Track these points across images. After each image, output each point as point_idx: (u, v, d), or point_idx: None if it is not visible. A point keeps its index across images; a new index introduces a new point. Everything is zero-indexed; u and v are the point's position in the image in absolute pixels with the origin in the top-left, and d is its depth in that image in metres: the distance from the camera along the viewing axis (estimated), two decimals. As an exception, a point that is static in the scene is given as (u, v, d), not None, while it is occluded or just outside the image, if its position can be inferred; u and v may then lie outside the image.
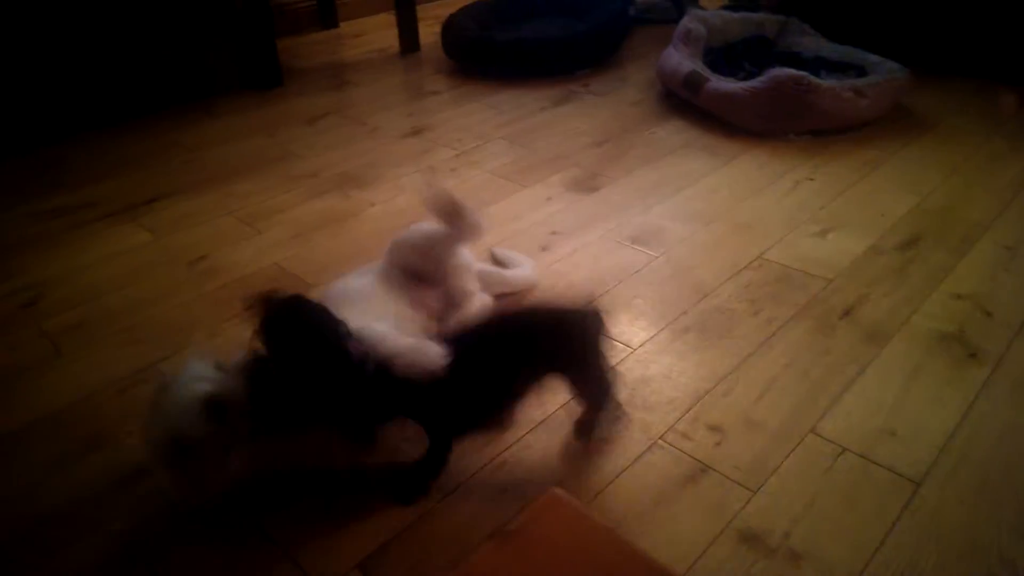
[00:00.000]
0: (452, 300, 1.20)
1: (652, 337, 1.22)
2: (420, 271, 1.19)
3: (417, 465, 0.95)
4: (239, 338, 1.23)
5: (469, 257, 1.26)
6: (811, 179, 1.70)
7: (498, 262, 1.42)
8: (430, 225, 1.19)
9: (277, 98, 2.36)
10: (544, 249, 1.47)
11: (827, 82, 1.85)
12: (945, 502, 0.91)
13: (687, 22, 2.20)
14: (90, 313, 1.32)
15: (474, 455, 0.99)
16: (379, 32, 3.00)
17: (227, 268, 1.45)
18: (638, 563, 0.40)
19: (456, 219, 1.15)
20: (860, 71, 2.03)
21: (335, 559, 0.86)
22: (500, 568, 0.38)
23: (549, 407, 1.06)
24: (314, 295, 0.97)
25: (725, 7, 2.60)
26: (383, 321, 1.02)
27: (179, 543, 0.89)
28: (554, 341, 0.95)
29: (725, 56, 2.20)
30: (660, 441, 1.01)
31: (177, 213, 1.66)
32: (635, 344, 1.20)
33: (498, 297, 1.28)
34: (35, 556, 0.88)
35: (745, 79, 1.96)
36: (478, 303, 1.22)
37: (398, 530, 0.89)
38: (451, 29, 2.52)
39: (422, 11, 2.83)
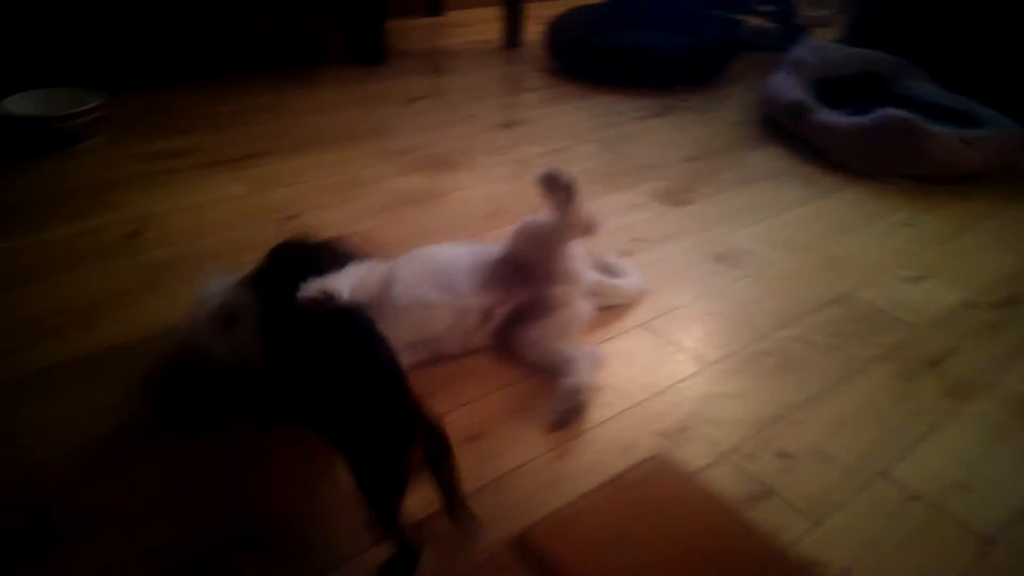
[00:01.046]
0: (543, 307, 1.16)
1: (726, 356, 1.20)
2: (531, 262, 1.16)
3: None
4: (322, 295, 1.28)
5: (583, 265, 1.21)
6: (910, 225, 1.65)
7: (606, 270, 1.38)
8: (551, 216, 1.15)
9: (378, 75, 2.41)
10: (625, 255, 1.47)
11: (938, 128, 1.80)
12: (1017, 565, 0.87)
13: (800, 51, 2.17)
14: (184, 252, 1.38)
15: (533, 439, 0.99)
16: (483, 24, 3.04)
17: (316, 229, 1.49)
18: (740, 528, 0.39)
19: (561, 197, 1.10)
20: (971, 123, 1.96)
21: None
22: (614, 514, 0.38)
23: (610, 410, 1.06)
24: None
25: (839, 40, 2.54)
26: (435, 291, 1.05)
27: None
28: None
29: (834, 89, 2.15)
30: (724, 457, 0.99)
31: (273, 171, 1.72)
32: (709, 360, 1.19)
33: (607, 308, 1.27)
34: (117, 465, 0.93)
35: (853, 115, 1.92)
36: (575, 313, 1.18)
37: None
38: (556, 29, 2.54)
39: (529, 9, 2.85)
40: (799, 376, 1.16)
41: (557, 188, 1.10)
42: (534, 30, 2.80)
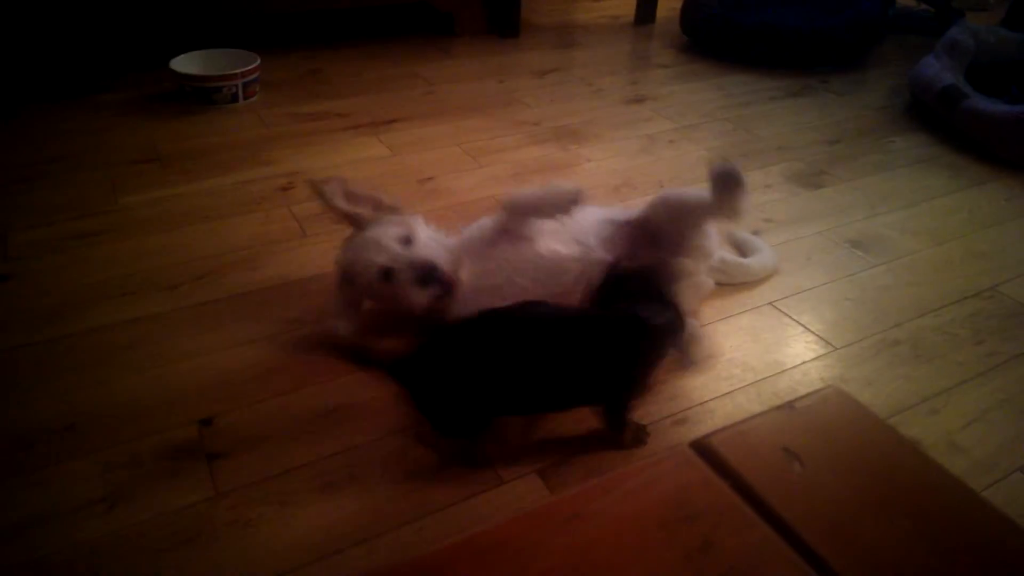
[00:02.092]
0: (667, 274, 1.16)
1: (858, 341, 1.18)
2: (665, 231, 1.14)
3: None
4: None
5: (715, 242, 1.19)
6: (1066, 220, 1.55)
7: (737, 245, 1.38)
8: (697, 191, 1.12)
9: (512, 48, 2.46)
10: (755, 235, 1.45)
11: (1109, 120, 1.66)
12: None
13: (956, 33, 2.05)
14: (332, 206, 1.48)
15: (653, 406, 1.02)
16: (617, 0, 3.03)
17: (450, 191, 1.56)
18: (917, 457, 0.41)
19: (728, 193, 1.06)
20: None
21: (519, 462, 0.93)
22: (787, 431, 0.41)
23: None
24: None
25: (1000, 24, 2.38)
26: (565, 244, 1.09)
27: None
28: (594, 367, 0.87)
29: (991, 75, 2.02)
30: (850, 440, 0.99)
31: (413, 136, 1.80)
32: (838, 344, 1.17)
33: (738, 286, 1.28)
34: (272, 393, 1.02)
35: (1011, 103, 1.80)
36: (695, 286, 1.18)
37: (577, 449, 0.95)
38: (691, 4, 2.50)
39: (665, -15, 2.82)
40: (935, 367, 1.13)
41: (729, 182, 1.05)
42: (668, 6, 2.77)
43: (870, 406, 1.03)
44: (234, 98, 1.88)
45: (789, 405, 0.41)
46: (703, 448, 0.39)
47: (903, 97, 2.12)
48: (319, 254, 1.32)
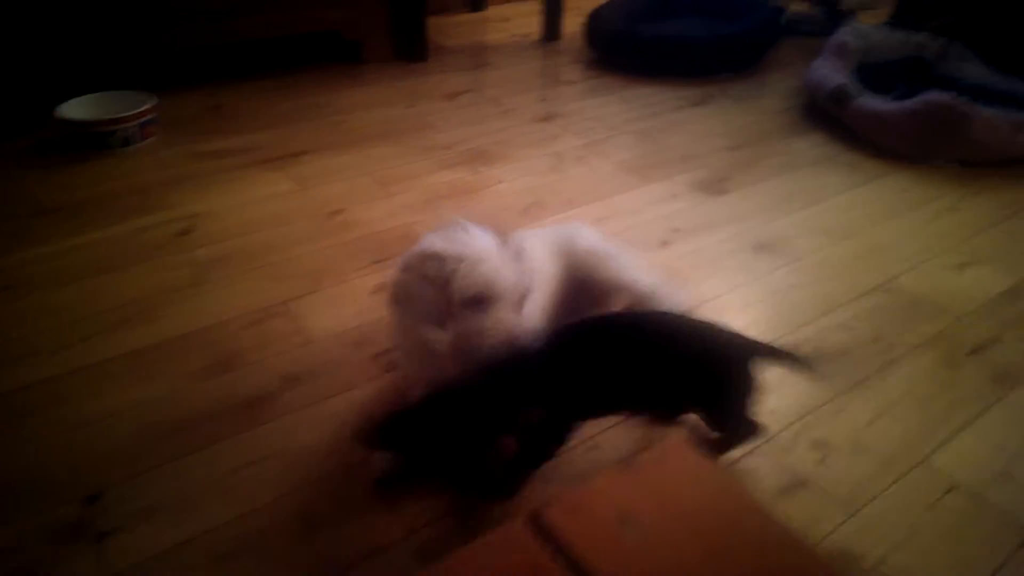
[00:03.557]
0: None
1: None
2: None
3: (517, 456, 0.90)
4: (365, 287, 1.32)
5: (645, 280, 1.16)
6: (955, 210, 1.62)
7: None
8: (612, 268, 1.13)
9: (421, 72, 2.45)
10: (664, 244, 1.48)
11: (986, 111, 1.75)
12: (1062, 558, 0.86)
13: (843, 34, 2.13)
14: (235, 248, 1.43)
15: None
16: (524, 19, 3.05)
17: (361, 223, 1.53)
18: (754, 511, 0.41)
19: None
20: (1022, 105, 1.90)
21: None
22: (624, 494, 0.40)
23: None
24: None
25: (885, 24, 2.49)
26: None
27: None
28: (703, 374, 0.91)
29: (879, 74, 2.10)
30: (760, 448, 1.00)
31: (321, 168, 1.76)
32: (746, 350, 1.19)
33: None
34: (167, 457, 0.98)
35: (898, 99, 1.88)
36: None
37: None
38: (595, 20, 2.54)
39: (568, 1, 2.85)
40: (839, 365, 1.16)
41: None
42: (574, 22, 2.81)
43: (777, 411, 1.06)
44: (129, 141, 1.81)
45: (630, 462, 0.41)
46: (538, 523, 0.39)
47: (800, 99, 2.20)
48: (219, 300, 1.28)
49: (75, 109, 1.83)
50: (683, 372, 0.90)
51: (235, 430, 1.02)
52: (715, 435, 0.97)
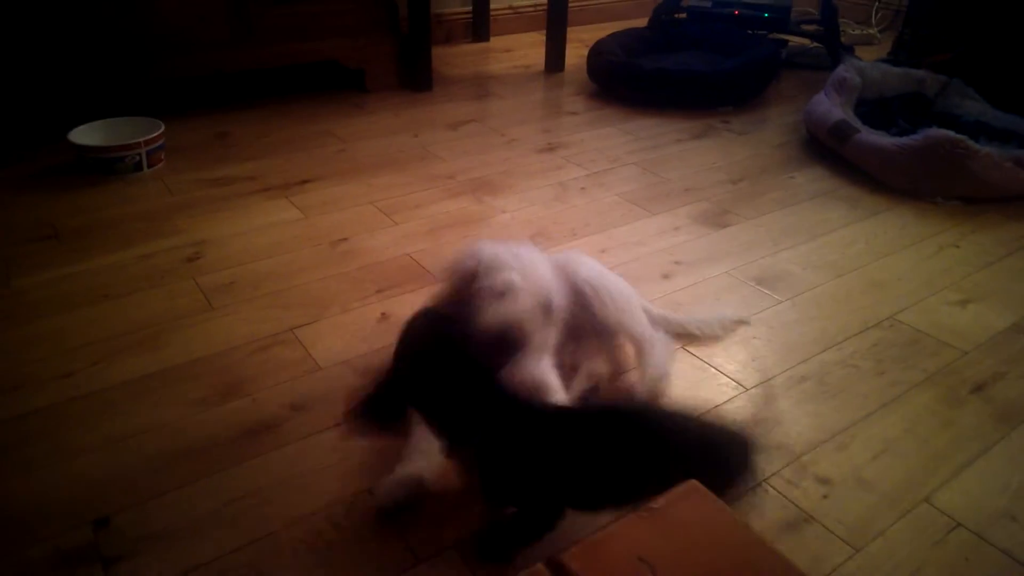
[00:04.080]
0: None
1: (767, 380, 1.20)
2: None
3: (514, 521, 0.88)
4: (370, 316, 1.33)
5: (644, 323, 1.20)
6: (956, 246, 1.63)
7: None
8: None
9: (425, 101, 2.48)
10: (665, 277, 1.49)
11: (986, 148, 1.77)
12: (1067, 599, 0.86)
13: (843, 70, 2.16)
14: (241, 275, 1.44)
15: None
16: (527, 49, 3.10)
17: (365, 252, 1.54)
18: (771, 560, 0.41)
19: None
20: (1023, 142, 1.93)
21: (437, 535, 0.91)
22: (642, 537, 0.41)
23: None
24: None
25: (885, 60, 2.53)
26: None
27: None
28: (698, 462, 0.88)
29: (879, 110, 2.14)
30: (765, 484, 1.00)
31: (325, 196, 1.78)
32: (748, 384, 1.19)
33: None
34: (174, 484, 0.98)
35: (898, 135, 1.90)
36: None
37: (500, 518, 0.93)
38: (597, 52, 2.58)
39: (571, 33, 2.90)
40: (841, 401, 1.16)
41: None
42: (576, 54, 2.85)
43: (781, 447, 1.06)
44: (137, 167, 1.83)
45: (647, 507, 0.41)
46: (557, 567, 0.39)
47: (800, 133, 2.23)
48: (227, 327, 1.28)
49: (86, 134, 1.85)
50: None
51: (242, 457, 1.02)
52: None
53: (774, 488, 1.00)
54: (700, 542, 0.40)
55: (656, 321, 1.25)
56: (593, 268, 1.19)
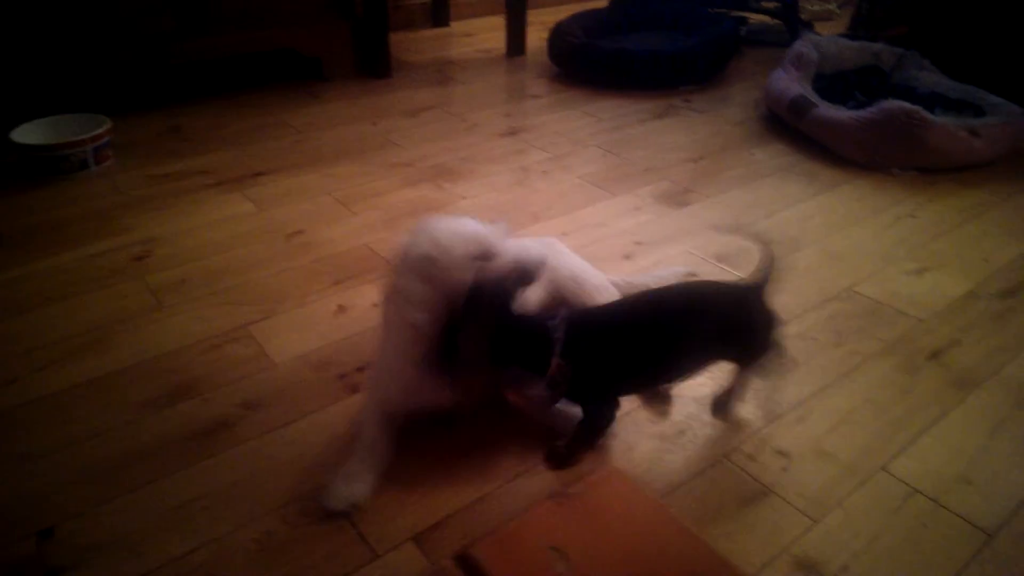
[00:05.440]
0: None
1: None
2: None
3: (578, 429, 0.98)
4: (327, 309, 1.30)
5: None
6: (913, 216, 1.64)
7: None
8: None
9: (384, 88, 2.44)
10: (626, 258, 1.48)
11: (941, 119, 1.78)
12: (1019, 557, 0.87)
13: (800, 46, 2.16)
14: (192, 272, 1.41)
15: (538, 450, 1.00)
16: (488, 33, 3.06)
17: (321, 244, 1.52)
18: (685, 538, 0.41)
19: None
20: (978, 111, 1.95)
21: (392, 529, 0.89)
22: (556, 526, 0.40)
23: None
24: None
25: (841, 35, 2.53)
26: None
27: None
28: (731, 325, 0.99)
29: (837, 83, 2.14)
30: (725, 459, 1.00)
31: (281, 188, 1.75)
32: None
33: None
34: (122, 490, 0.95)
35: (855, 108, 1.91)
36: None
37: (456, 508, 0.92)
38: (558, 35, 2.55)
39: (532, 15, 2.87)
40: (800, 374, 1.16)
41: None
42: (538, 36, 2.82)
43: (743, 423, 1.06)
44: (84, 165, 1.78)
45: (560, 494, 0.40)
46: (467, 562, 0.38)
47: (761, 110, 2.23)
48: (177, 326, 1.25)
49: (28, 133, 1.80)
50: (718, 330, 0.98)
51: (194, 459, 0.99)
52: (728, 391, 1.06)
53: (734, 463, 0.99)
54: (617, 528, 0.39)
55: (621, 288, 1.24)
56: (575, 262, 1.18)
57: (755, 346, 1.01)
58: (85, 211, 1.62)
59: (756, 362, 1.02)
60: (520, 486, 0.95)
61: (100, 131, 1.80)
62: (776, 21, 2.96)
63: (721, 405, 1.07)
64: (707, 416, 1.07)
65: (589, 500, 0.41)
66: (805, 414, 1.08)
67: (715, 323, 0.97)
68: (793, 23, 2.81)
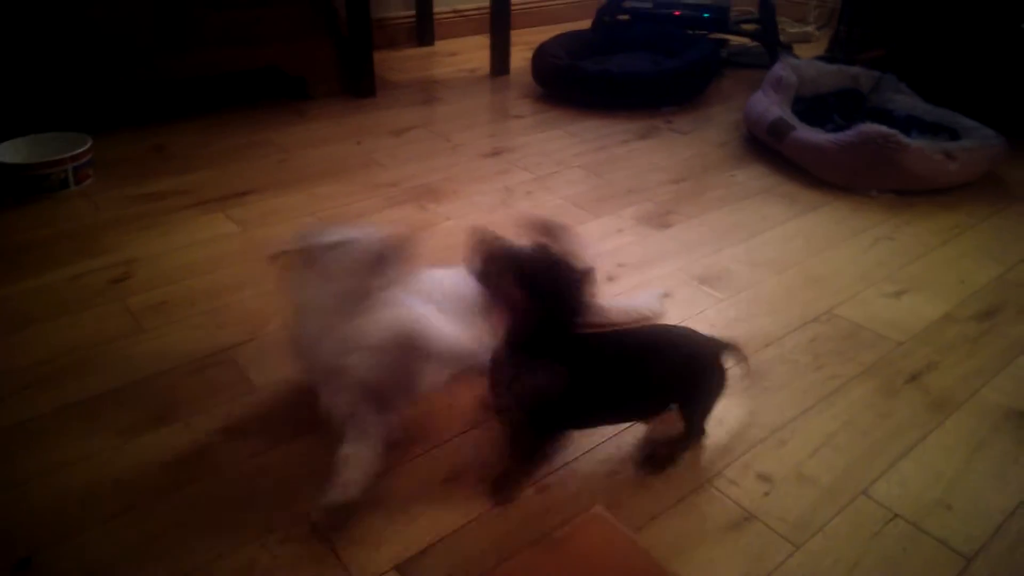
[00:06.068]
0: None
1: (709, 379, 1.21)
2: None
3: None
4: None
5: None
6: (891, 238, 1.67)
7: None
8: None
9: (368, 107, 2.44)
10: (610, 280, 1.49)
11: (917, 142, 1.82)
12: (999, 585, 0.88)
13: (779, 69, 2.19)
14: (174, 294, 1.40)
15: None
16: (472, 53, 3.08)
17: (304, 265, 1.51)
18: None
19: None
20: (953, 134, 1.98)
21: (376, 558, 0.89)
22: (539, 568, 0.40)
23: (597, 437, 1.07)
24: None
25: (820, 57, 2.57)
26: None
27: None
28: (690, 372, 1.01)
29: (815, 106, 2.17)
30: (707, 484, 1.00)
31: (264, 208, 1.74)
32: (691, 384, 1.19)
33: None
34: (100, 518, 0.94)
35: (833, 131, 1.94)
36: None
37: (440, 535, 0.91)
38: (542, 55, 2.57)
39: (515, 36, 2.89)
40: (780, 397, 1.17)
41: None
42: (521, 57, 2.84)
43: (721, 446, 1.06)
44: (64, 184, 1.76)
45: (548, 538, 0.40)
46: None
47: (742, 131, 2.25)
48: (157, 349, 1.24)
49: (7, 152, 1.78)
50: (675, 374, 1.00)
51: (173, 486, 0.98)
52: (676, 435, 1.05)
53: (716, 488, 1.00)
54: (600, 570, 0.39)
55: (604, 311, 1.26)
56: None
57: (698, 401, 1.03)
58: (64, 231, 1.61)
59: (695, 417, 1.05)
60: (505, 512, 0.95)
61: (81, 150, 1.79)
62: (756, 43, 3.00)
63: (651, 457, 1.05)
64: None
65: (574, 545, 0.41)
66: (786, 438, 1.09)
67: (668, 367, 1.00)
68: (772, 45, 2.85)
